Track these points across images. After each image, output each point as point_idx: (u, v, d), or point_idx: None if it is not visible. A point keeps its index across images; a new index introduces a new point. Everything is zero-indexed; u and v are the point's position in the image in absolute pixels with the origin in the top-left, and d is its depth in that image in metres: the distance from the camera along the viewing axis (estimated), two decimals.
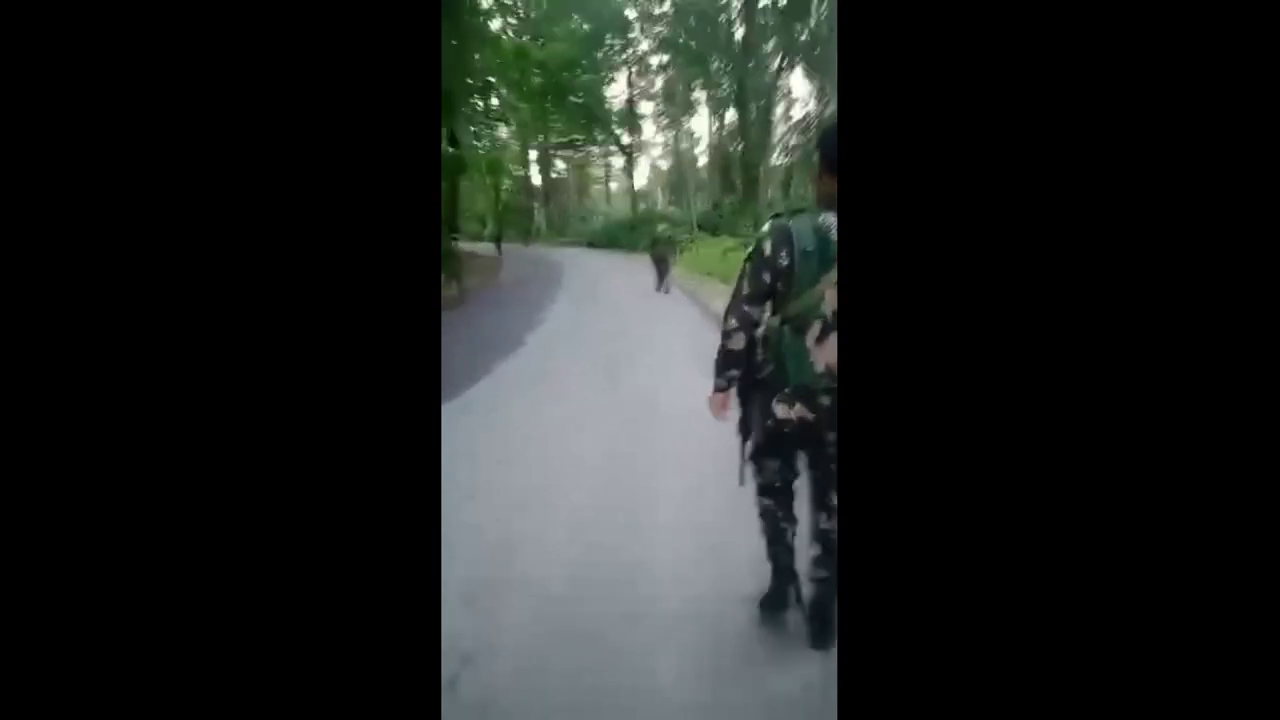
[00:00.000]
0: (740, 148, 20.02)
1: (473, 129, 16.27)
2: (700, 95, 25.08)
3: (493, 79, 18.01)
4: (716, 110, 24.27)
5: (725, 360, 1.55)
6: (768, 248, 1.44)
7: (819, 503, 1.58)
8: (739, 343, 1.51)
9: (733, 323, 1.50)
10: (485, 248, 20.64)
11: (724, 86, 21.48)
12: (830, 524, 1.57)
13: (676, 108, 26.45)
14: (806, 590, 1.66)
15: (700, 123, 29.73)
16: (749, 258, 1.48)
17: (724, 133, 23.67)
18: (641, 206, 29.24)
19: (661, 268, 10.63)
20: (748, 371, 1.54)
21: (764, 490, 1.67)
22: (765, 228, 1.48)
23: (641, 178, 37.77)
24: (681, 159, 28.52)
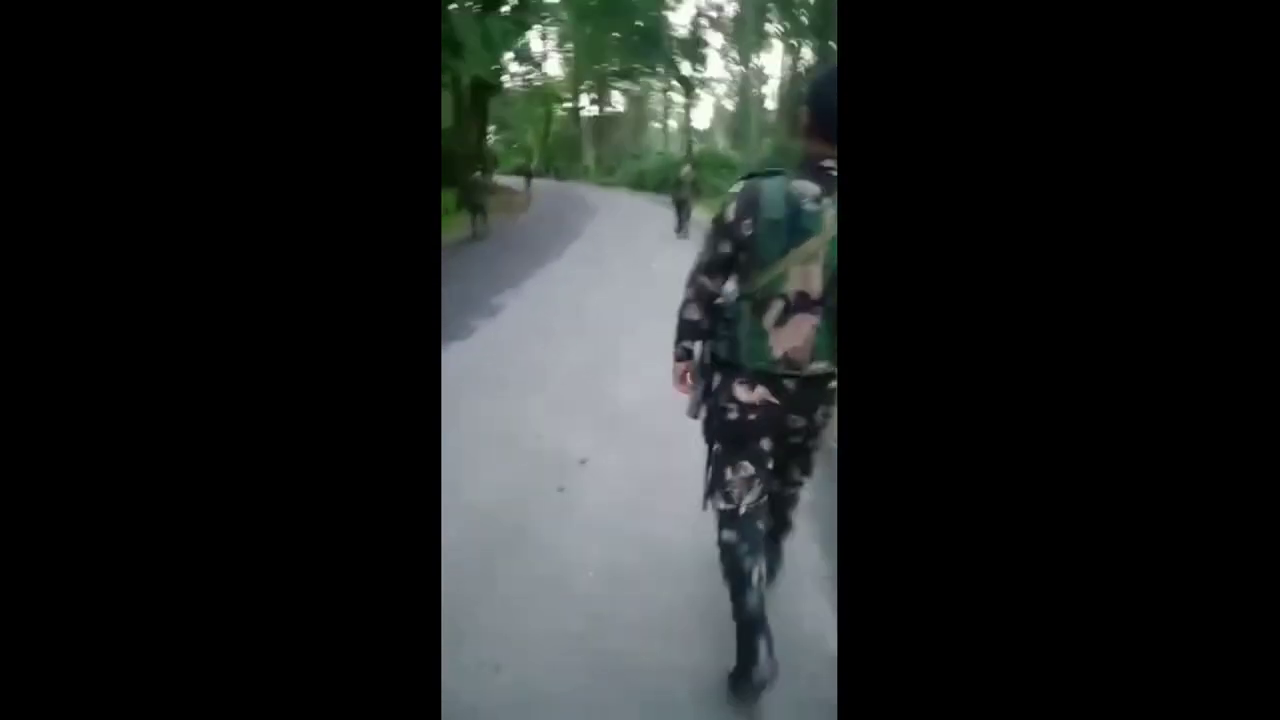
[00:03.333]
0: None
1: (509, 52, 14.50)
2: (774, 29, 22.61)
3: None
4: (791, 46, 21.73)
5: (681, 329, 1.47)
6: (730, 212, 1.30)
7: (777, 508, 1.54)
8: (693, 313, 1.43)
9: (689, 292, 1.42)
10: (534, 182, 19.66)
11: (802, 16, 18.94)
12: (784, 532, 1.62)
13: (747, 40, 23.86)
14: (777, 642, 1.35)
15: (772, 59, 26.99)
16: (714, 221, 1.35)
17: (798, 70, 21.13)
18: (699, 147, 26.98)
19: (682, 210, 10.38)
20: (707, 348, 1.44)
21: (726, 521, 1.43)
22: (734, 188, 1.33)
23: (704, 118, 35.35)
24: (748, 98, 25.98)
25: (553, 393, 3.31)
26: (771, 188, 1.26)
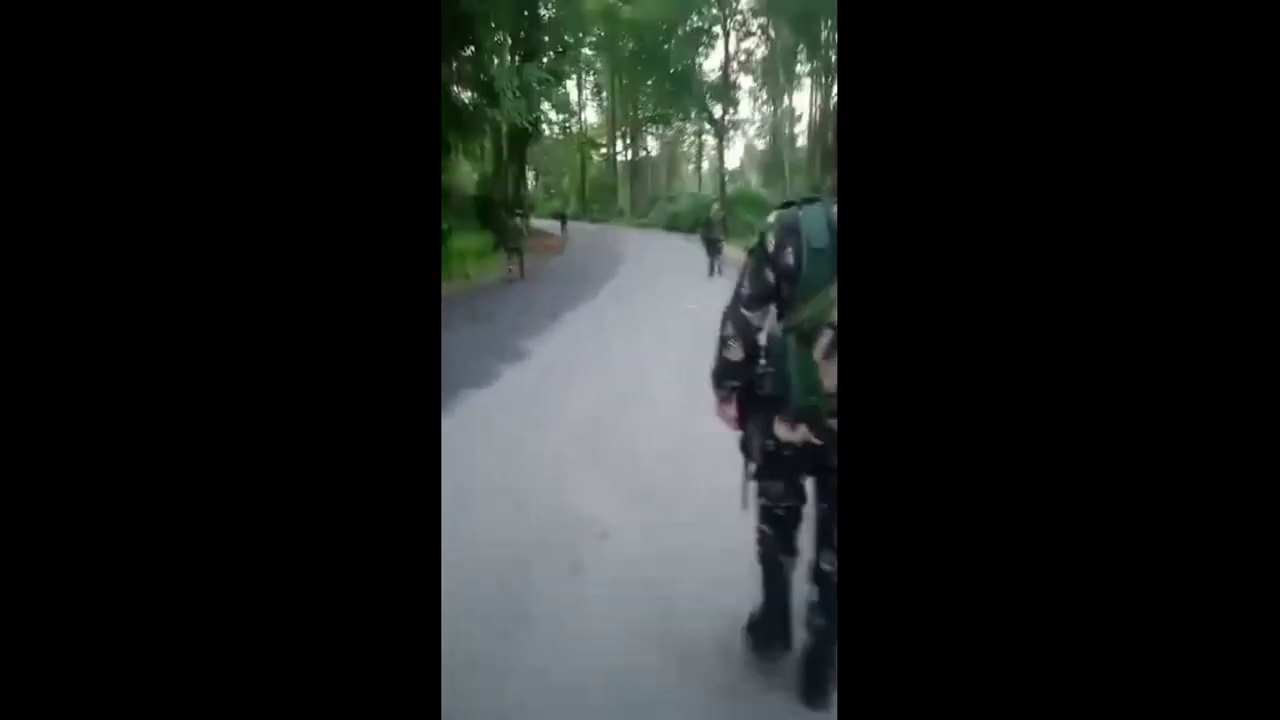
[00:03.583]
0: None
1: (543, 97, 14.86)
2: (803, 69, 22.75)
3: (569, 38, 16.54)
4: (820, 84, 21.80)
5: (722, 371, 1.40)
6: (771, 242, 1.26)
7: (823, 538, 1.39)
8: (736, 353, 1.35)
9: (729, 329, 1.34)
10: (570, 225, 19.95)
11: (831, 55, 19.00)
12: (832, 565, 1.37)
13: (777, 81, 24.07)
14: (801, 638, 1.48)
15: (801, 99, 27.15)
16: (751, 252, 1.30)
17: (829, 108, 21.13)
18: (731, 187, 27.05)
19: (713, 250, 10.32)
20: (749, 384, 1.37)
21: (764, 516, 1.49)
22: (771, 218, 1.29)
23: (735, 159, 35.66)
24: (779, 137, 26.06)
25: (575, 446, 3.08)
26: (812, 215, 1.22)
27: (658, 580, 1.94)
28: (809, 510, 1.45)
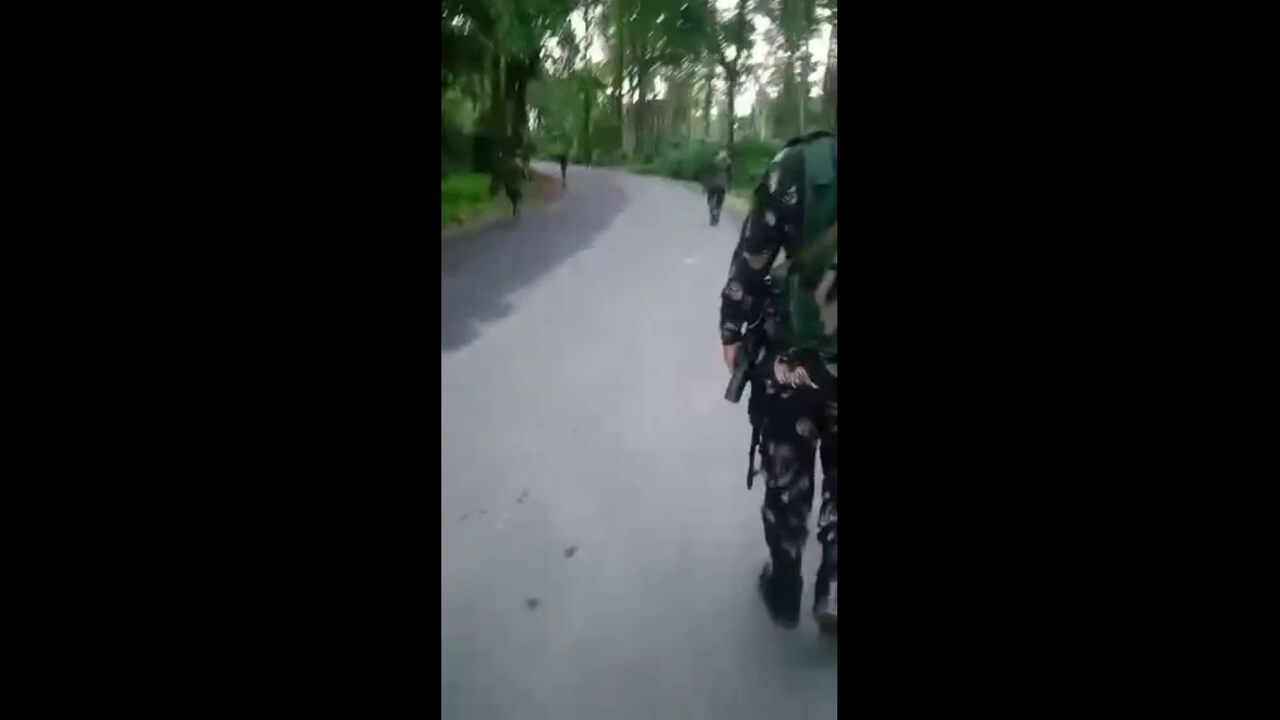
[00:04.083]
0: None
1: (547, 29, 13.90)
2: (823, 13, 21.49)
3: None
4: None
5: (725, 310, 1.40)
6: (774, 182, 1.22)
7: (832, 493, 1.41)
8: (738, 293, 1.35)
9: (733, 270, 1.34)
10: (571, 169, 19.05)
11: None
12: (827, 520, 1.41)
13: (795, 24, 22.77)
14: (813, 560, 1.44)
15: (819, 45, 25.78)
16: (755, 193, 1.27)
17: None
18: (740, 136, 25.99)
19: (714, 199, 10.11)
20: (755, 325, 1.36)
21: (770, 498, 1.44)
22: (777, 156, 1.26)
23: (745, 105, 34.34)
24: (793, 85, 24.87)
25: (548, 427, 2.72)
26: (816, 152, 1.18)
27: (628, 600, 1.62)
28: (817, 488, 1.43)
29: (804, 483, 1.40)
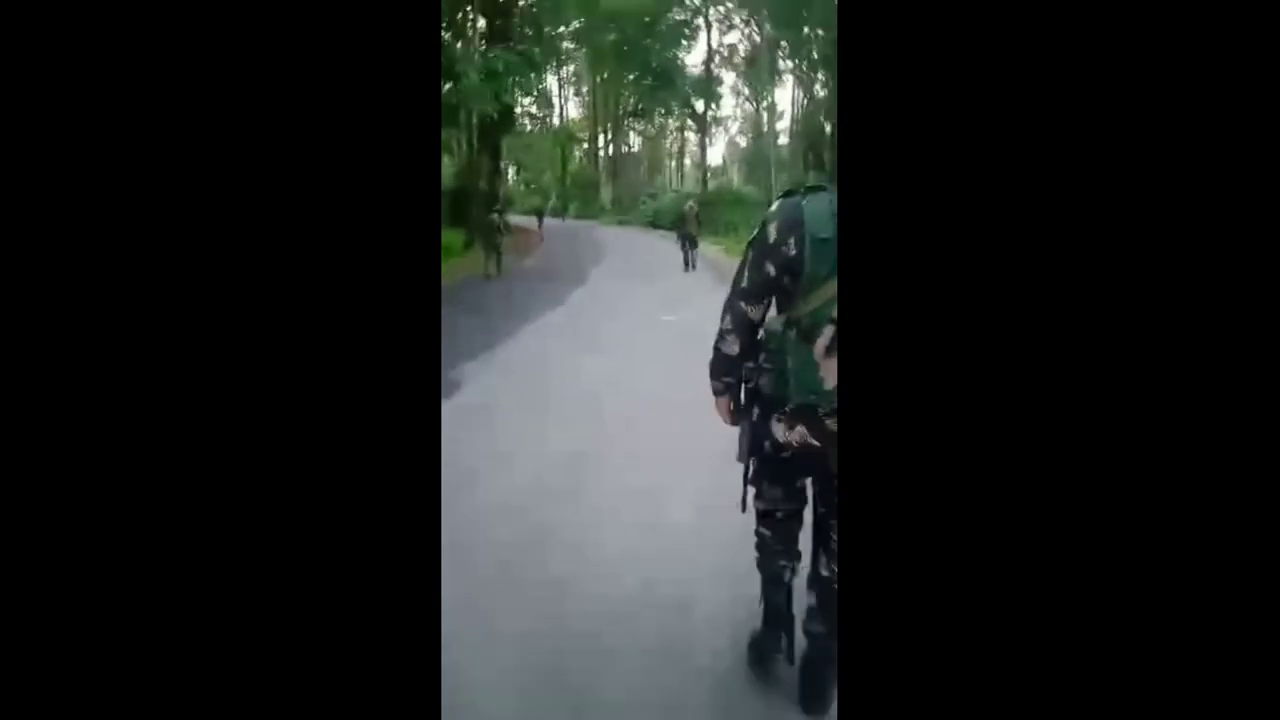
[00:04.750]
0: (833, 122, 17.22)
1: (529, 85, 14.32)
2: (787, 65, 22.44)
3: (548, 27, 16.02)
4: (805, 79, 21.51)
5: (718, 365, 1.36)
6: (772, 232, 1.22)
7: (821, 544, 1.38)
8: (733, 347, 1.32)
9: (727, 322, 1.31)
10: (548, 223, 19.48)
11: (815, 50, 18.67)
12: (831, 571, 1.37)
13: (760, 77, 23.71)
14: (800, 644, 1.45)
15: (785, 95, 26.82)
16: (750, 243, 1.27)
17: (814, 103, 20.82)
18: (714, 184, 26.67)
19: (687, 244, 10.33)
20: (746, 381, 1.35)
21: (763, 519, 1.45)
22: (773, 207, 1.26)
23: (717, 155, 35.39)
24: (762, 134, 25.73)
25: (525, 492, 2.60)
26: (815, 205, 1.18)
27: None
28: (809, 515, 1.42)
29: (799, 510, 1.43)
